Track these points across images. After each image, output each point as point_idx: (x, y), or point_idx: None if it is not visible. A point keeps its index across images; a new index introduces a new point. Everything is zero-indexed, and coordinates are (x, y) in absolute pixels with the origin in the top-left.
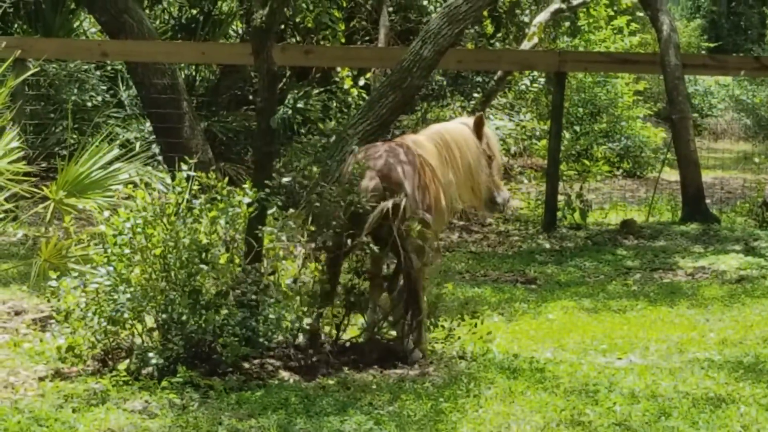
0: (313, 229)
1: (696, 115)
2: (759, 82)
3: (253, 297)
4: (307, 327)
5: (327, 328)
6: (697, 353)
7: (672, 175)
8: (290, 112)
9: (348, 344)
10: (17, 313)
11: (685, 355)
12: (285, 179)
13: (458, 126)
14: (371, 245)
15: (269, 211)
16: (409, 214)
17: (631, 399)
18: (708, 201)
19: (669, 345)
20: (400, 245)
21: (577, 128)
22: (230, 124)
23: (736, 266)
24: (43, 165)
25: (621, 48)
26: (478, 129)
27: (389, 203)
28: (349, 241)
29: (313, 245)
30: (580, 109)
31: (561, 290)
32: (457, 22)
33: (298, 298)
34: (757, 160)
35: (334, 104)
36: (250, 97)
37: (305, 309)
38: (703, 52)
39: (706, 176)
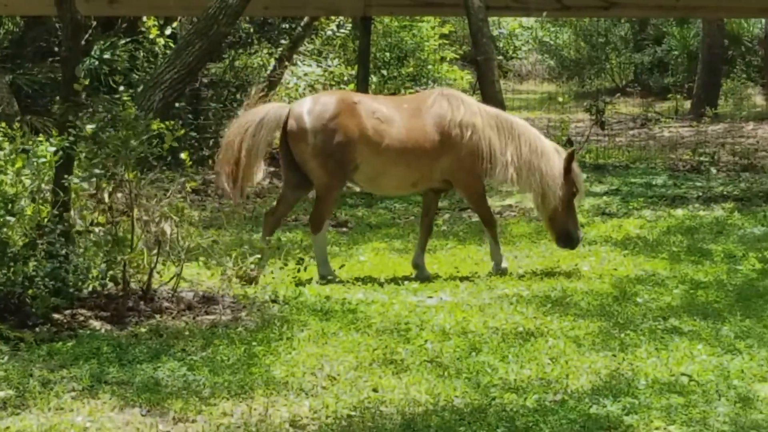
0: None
1: (501, 57)
2: (561, 24)
3: (62, 247)
4: (118, 275)
5: (138, 276)
6: (506, 289)
7: None
8: (97, 63)
9: (161, 291)
10: None
11: (494, 292)
12: (89, 126)
13: (539, 135)
14: None
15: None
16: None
17: (442, 336)
18: None
19: (478, 282)
20: None
21: (385, 72)
22: (36, 77)
23: None
24: None
25: None
26: (567, 162)
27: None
28: None
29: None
30: (387, 54)
31: (372, 232)
32: None
33: (107, 246)
34: (561, 99)
35: (142, 54)
36: (56, 49)
37: (114, 257)
38: None
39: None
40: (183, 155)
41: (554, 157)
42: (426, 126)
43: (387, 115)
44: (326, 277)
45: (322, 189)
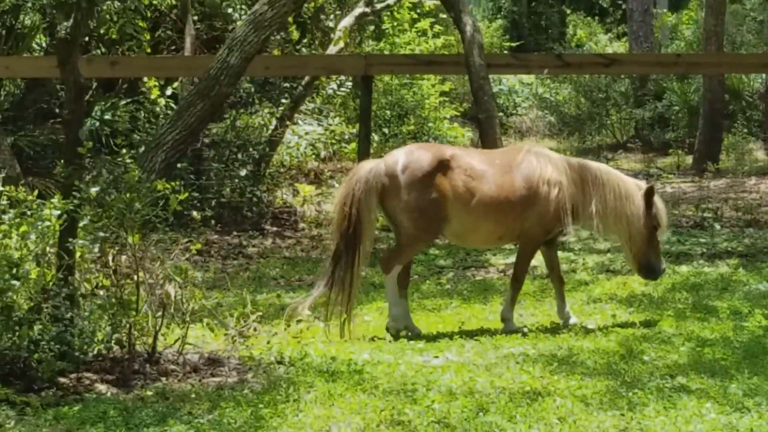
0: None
1: (501, 114)
2: (561, 80)
3: (67, 311)
4: (123, 338)
5: (144, 338)
6: (512, 348)
7: None
8: (98, 124)
9: (166, 354)
10: None
11: (500, 351)
12: (93, 189)
13: (622, 177)
14: None
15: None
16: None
17: (449, 396)
18: None
19: (484, 341)
20: None
21: (386, 130)
22: (37, 138)
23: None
24: None
25: (426, 50)
26: (647, 198)
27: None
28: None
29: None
30: (388, 112)
31: (376, 292)
32: (262, 29)
33: (112, 309)
34: None
35: (143, 115)
36: (57, 111)
37: (119, 320)
38: (506, 51)
39: None
40: (195, 214)
41: (638, 196)
42: (515, 182)
43: (479, 171)
44: (396, 318)
45: (408, 239)
